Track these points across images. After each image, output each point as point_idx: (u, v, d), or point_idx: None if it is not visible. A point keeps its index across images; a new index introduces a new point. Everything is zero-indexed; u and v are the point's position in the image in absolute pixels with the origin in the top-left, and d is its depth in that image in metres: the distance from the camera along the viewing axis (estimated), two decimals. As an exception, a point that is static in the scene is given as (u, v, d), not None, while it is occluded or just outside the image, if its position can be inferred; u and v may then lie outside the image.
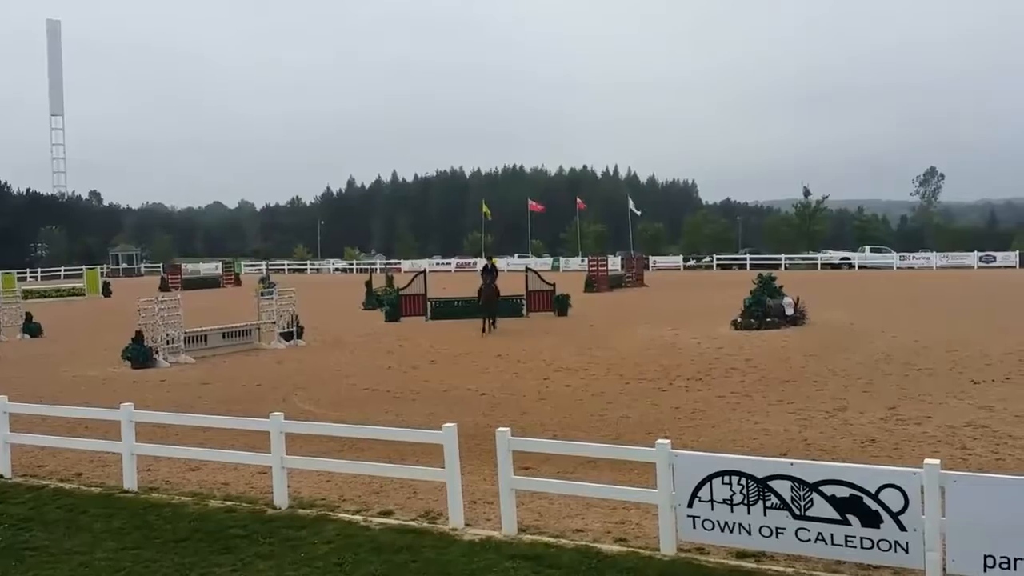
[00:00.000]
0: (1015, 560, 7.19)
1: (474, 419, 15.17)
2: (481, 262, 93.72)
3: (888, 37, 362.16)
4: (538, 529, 9.41)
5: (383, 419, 15.29)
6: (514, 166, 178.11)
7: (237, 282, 73.86)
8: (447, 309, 35.73)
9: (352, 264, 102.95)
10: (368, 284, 43.19)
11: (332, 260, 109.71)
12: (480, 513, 10.03)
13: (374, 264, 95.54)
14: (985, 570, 7.35)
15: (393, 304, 35.63)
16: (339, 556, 8.67)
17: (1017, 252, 74.97)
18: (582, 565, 8.15)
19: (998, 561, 7.26)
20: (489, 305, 30.25)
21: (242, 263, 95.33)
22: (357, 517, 10.01)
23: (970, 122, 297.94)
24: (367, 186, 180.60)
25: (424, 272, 38.51)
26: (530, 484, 9.89)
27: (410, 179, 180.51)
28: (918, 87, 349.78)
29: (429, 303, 35.79)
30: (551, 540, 8.96)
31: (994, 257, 73.14)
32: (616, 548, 8.70)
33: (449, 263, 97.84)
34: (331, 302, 45.80)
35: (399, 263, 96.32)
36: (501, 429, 9.46)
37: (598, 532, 9.31)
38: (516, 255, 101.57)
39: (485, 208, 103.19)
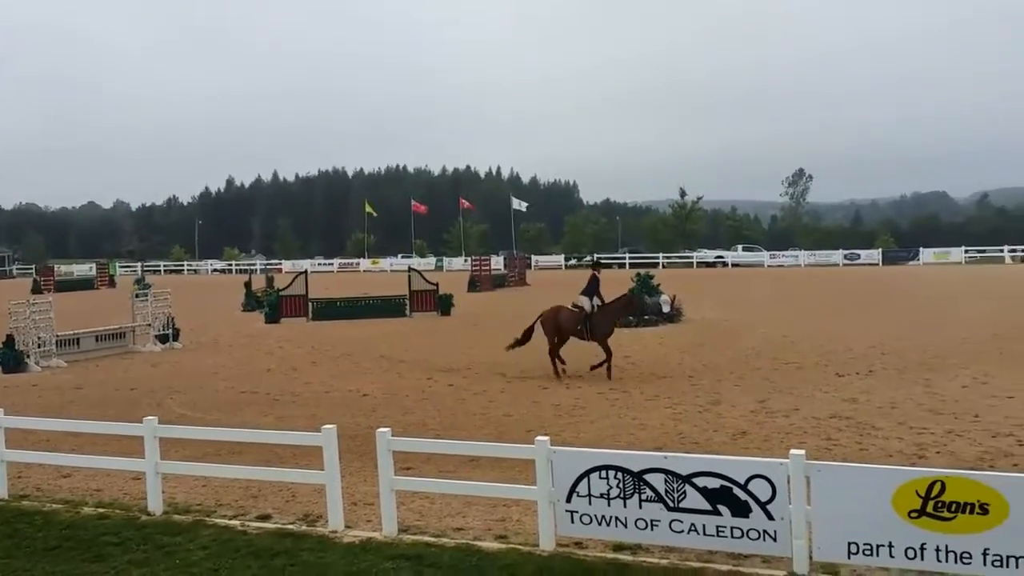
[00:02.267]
0: (877, 546, 7.55)
1: (355, 420, 15.04)
2: (364, 262, 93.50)
3: (762, 51, 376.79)
4: (419, 529, 9.39)
5: (262, 422, 15.03)
6: (397, 166, 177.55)
7: (112, 284, 71.49)
8: (329, 310, 35.30)
9: (231, 265, 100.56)
10: (247, 285, 42.22)
11: (211, 261, 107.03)
12: (361, 515, 9.94)
13: (254, 265, 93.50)
14: (849, 556, 7.70)
15: (273, 305, 34.94)
16: (215, 562, 8.47)
17: (880, 250, 78.79)
18: (463, 563, 8.18)
19: (861, 548, 7.61)
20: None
21: (117, 264, 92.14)
22: (234, 522, 9.79)
23: (837, 127, 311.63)
24: (247, 185, 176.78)
25: (306, 272, 37.89)
26: (411, 484, 9.87)
27: (291, 179, 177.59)
28: (789, 95, 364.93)
29: (311, 304, 35.25)
30: (432, 539, 8.96)
31: (858, 255, 76.63)
32: (496, 545, 8.76)
33: (332, 263, 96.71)
34: (209, 303, 44.61)
35: (280, 263, 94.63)
36: (381, 430, 9.40)
37: (479, 530, 9.35)
38: (399, 255, 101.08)
39: (369, 207, 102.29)
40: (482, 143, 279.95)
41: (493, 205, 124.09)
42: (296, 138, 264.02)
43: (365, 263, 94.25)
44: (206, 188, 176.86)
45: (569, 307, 19.85)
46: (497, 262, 65.99)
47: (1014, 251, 74.22)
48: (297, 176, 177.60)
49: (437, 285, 36.59)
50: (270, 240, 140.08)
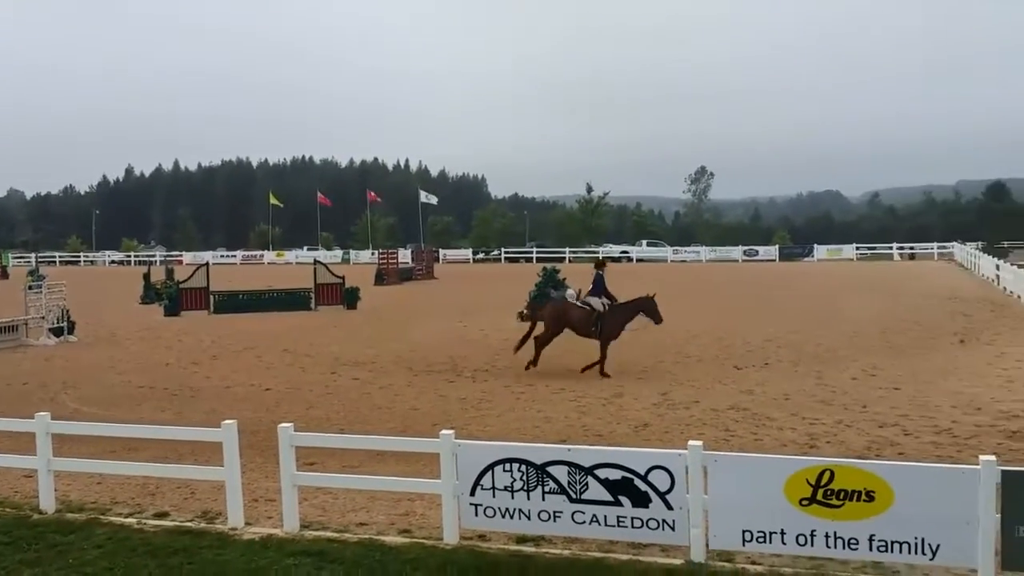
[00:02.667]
0: (770, 534, 7.81)
1: (257, 415, 14.81)
2: (269, 254, 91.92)
3: (670, 52, 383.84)
4: (322, 524, 9.32)
5: (160, 418, 14.67)
6: (303, 157, 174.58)
7: (4, 275, 68.37)
8: (231, 303, 34.58)
9: (130, 256, 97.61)
10: (146, 277, 41.00)
11: (108, 252, 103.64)
12: (262, 511, 9.81)
13: (154, 256, 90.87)
14: (743, 544, 7.95)
15: (173, 298, 34.04)
16: (110, 561, 8.27)
17: (777, 246, 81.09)
18: (365, 559, 8.15)
19: (755, 535, 7.87)
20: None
21: (10, 255, 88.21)
22: (130, 520, 9.56)
23: (739, 127, 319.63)
24: (147, 175, 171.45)
25: (207, 264, 37.04)
26: (313, 479, 9.79)
27: (193, 168, 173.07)
28: (694, 95, 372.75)
29: (212, 297, 34.48)
30: (334, 535, 8.90)
31: (757, 251, 78.70)
32: (400, 540, 8.76)
33: (235, 255, 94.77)
34: (106, 296, 43.18)
35: (181, 255, 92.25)
36: (283, 425, 9.29)
37: (382, 525, 9.33)
38: (305, 248, 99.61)
39: (274, 198, 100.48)
40: (390, 136, 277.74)
41: (401, 198, 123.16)
42: (198, 127, 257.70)
43: (269, 255, 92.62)
44: (104, 177, 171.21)
45: (578, 305, 19.18)
46: (405, 255, 65.60)
47: (902, 248, 77.40)
48: (200, 166, 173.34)
49: (343, 278, 36.21)
50: (171, 231, 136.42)
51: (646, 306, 18.98)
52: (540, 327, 19.21)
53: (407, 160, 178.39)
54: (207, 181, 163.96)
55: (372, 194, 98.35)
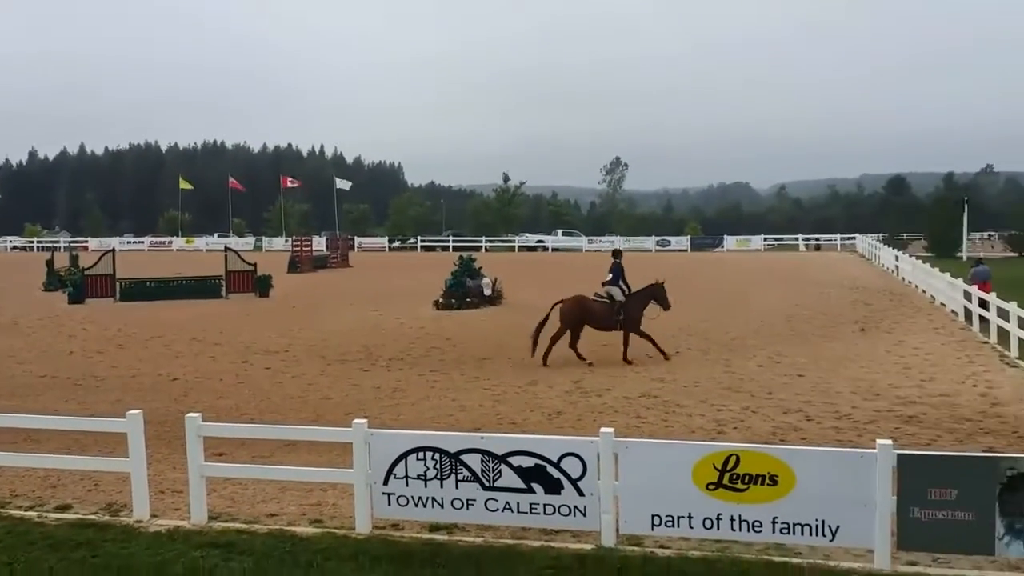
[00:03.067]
0: (678, 518, 7.99)
1: (164, 405, 14.50)
2: (178, 241, 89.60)
3: (589, 46, 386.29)
4: (231, 516, 9.18)
5: (63, 408, 14.25)
6: (215, 141, 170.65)
7: None
8: (139, 290, 33.73)
9: (33, 242, 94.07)
10: (49, 263, 39.62)
11: (10, 237, 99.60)
12: (168, 503, 9.62)
13: (58, 242, 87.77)
14: (652, 528, 8.12)
15: (77, 285, 33.02)
16: (9, 555, 7.99)
17: (688, 237, 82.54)
18: (275, 550, 8.06)
19: (664, 520, 8.04)
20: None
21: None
22: (31, 513, 9.30)
23: (653, 120, 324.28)
24: (51, 158, 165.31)
25: (113, 251, 36.00)
26: (222, 470, 9.65)
27: (100, 152, 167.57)
28: (609, 89, 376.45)
29: (119, 284, 33.55)
30: (243, 526, 8.78)
31: (669, 241, 79.96)
32: (311, 530, 8.69)
33: (142, 241, 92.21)
34: (7, 283, 41.61)
35: (86, 241, 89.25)
36: (191, 415, 9.11)
37: (293, 515, 9.24)
38: (216, 234, 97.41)
39: (184, 183, 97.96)
40: (305, 122, 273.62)
41: (316, 185, 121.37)
42: (104, 109, 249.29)
43: (179, 242, 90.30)
44: (7, 160, 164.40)
45: (593, 297, 19.04)
46: (319, 243, 64.71)
47: (807, 239, 79.64)
48: (107, 149, 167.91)
49: (255, 265, 35.63)
50: (76, 216, 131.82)
51: (657, 293, 19.14)
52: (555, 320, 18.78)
53: (322, 146, 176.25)
54: (114, 165, 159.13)
55: (287, 179, 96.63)
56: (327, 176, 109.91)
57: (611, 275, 19.24)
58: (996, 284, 24.23)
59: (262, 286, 34.66)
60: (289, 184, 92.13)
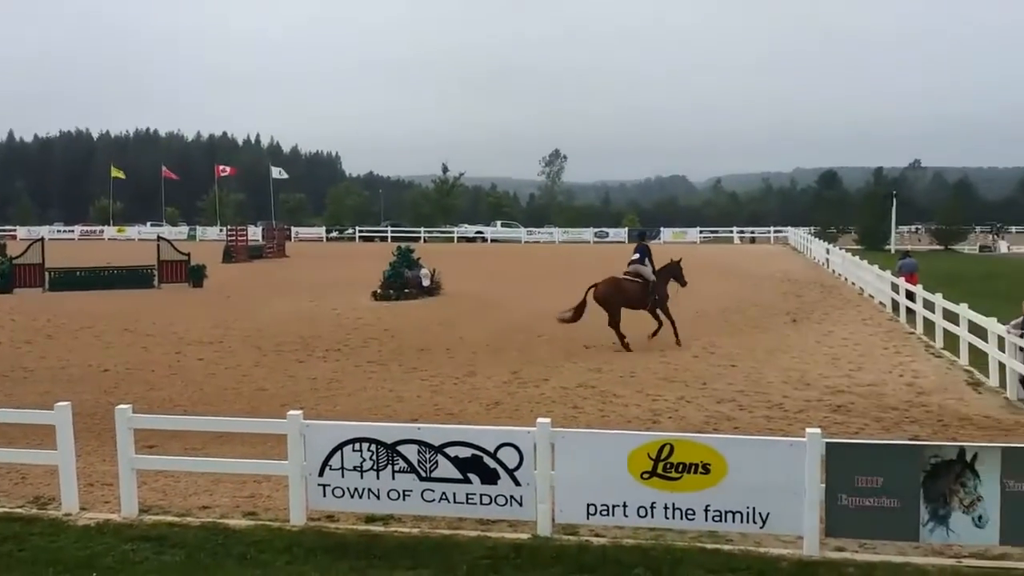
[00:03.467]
0: (613, 507, 8.09)
1: (94, 397, 14.20)
2: (109, 230, 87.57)
3: (529, 33, 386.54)
4: (162, 509, 9.04)
5: (-14, 401, 13.84)
6: (148, 129, 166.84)
7: None
8: (69, 280, 32.98)
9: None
10: (-26, 252, 38.42)
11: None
12: (98, 496, 9.44)
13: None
14: (588, 517, 8.20)
15: (5, 274, 32.13)
16: (-69, 553, 7.77)
17: (626, 229, 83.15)
18: (208, 542, 7.96)
19: (599, 508, 8.13)
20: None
21: None
22: (-46, 509, 9.03)
23: (593, 111, 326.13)
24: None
25: (43, 240, 35.11)
26: (153, 463, 9.49)
27: (29, 139, 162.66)
28: (550, 81, 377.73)
29: (48, 273, 32.73)
30: (176, 519, 8.65)
31: (607, 233, 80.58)
32: (245, 522, 8.59)
33: (72, 230, 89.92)
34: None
35: (14, 230, 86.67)
36: (121, 406, 8.95)
37: (227, 507, 9.13)
38: (149, 223, 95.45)
39: (116, 171, 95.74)
40: (241, 110, 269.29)
41: (252, 174, 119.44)
42: (34, 97, 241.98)
43: (110, 231, 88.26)
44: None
45: (623, 278, 19.52)
46: (255, 232, 63.82)
47: (742, 232, 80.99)
48: (36, 137, 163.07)
49: (189, 255, 35.05)
50: (4, 205, 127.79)
51: (675, 271, 19.83)
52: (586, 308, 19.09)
53: (258, 135, 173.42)
54: (44, 153, 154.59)
55: (222, 168, 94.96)
56: (263, 165, 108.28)
57: (637, 255, 19.80)
58: (923, 276, 24.90)
59: (196, 276, 34.08)
60: (223, 172, 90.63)
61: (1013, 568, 7.49)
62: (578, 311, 18.96)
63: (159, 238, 37.34)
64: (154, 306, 27.32)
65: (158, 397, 14.41)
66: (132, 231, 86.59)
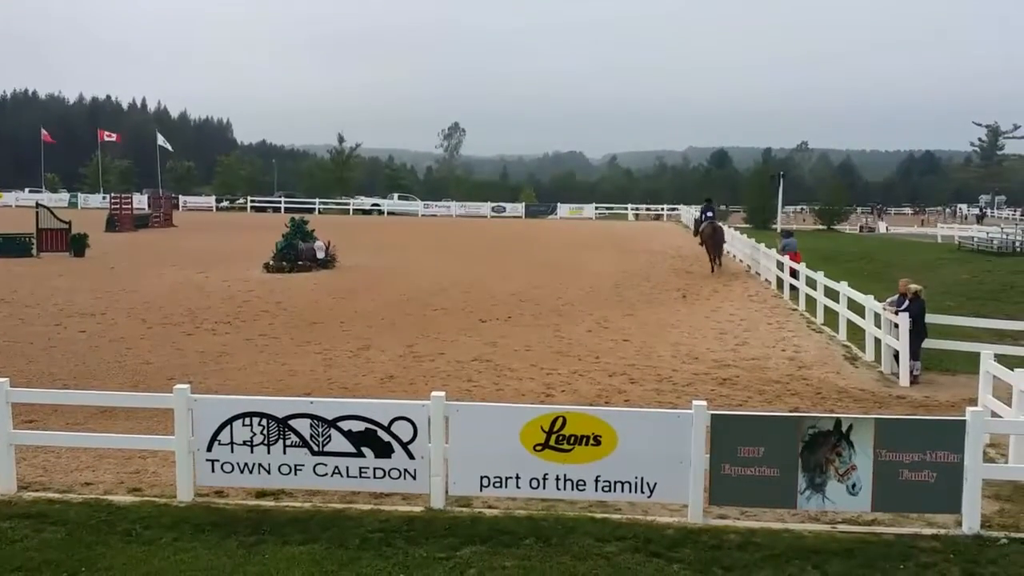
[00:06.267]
0: (506, 479, 8.19)
1: (-32, 371, 13.54)
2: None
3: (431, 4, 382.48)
4: (42, 485, 8.75)
5: None
6: (25, 91, 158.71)
7: None
8: (-63, 247, 31.23)
9: None
10: None
11: None
12: (-28, 474, 9.03)
13: None
14: (481, 489, 8.29)
15: None
16: None
17: (523, 204, 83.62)
18: (91, 519, 7.74)
19: (492, 481, 8.23)
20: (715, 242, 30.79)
21: None
22: None
23: (490, 83, 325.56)
24: None
25: (-94, 204, 33.20)
26: (32, 438, 9.17)
27: None
28: (448, 51, 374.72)
29: (-87, 241, 30.99)
30: (57, 496, 8.38)
31: (504, 208, 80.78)
32: (130, 499, 8.38)
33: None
34: None
35: None
36: (-3, 380, 8.57)
37: (110, 484, 8.88)
38: (27, 190, 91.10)
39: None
40: (125, 72, 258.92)
41: (137, 141, 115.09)
42: None
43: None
44: None
45: (717, 225, 30.48)
46: (140, 201, 61.69)
47: (636, 209, 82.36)
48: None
49: (70, 223, 33.71)
50: None
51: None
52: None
53: (144, 99, 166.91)
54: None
55: (104, 133, 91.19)
56: (150, 131, 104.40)
57: (711, 213, 31.04)
58: (806, 255, 25.83)
59: (77, 245, 32.80)
60: (106, 138, 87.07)
61: (883, 532, 7.91)
62: (705, 244, 29.94)
63: (38, 205, 35.86)
64: (33, 276, 26.20)
65: (37, 371, 13.87)
66: (9, 197, 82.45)
